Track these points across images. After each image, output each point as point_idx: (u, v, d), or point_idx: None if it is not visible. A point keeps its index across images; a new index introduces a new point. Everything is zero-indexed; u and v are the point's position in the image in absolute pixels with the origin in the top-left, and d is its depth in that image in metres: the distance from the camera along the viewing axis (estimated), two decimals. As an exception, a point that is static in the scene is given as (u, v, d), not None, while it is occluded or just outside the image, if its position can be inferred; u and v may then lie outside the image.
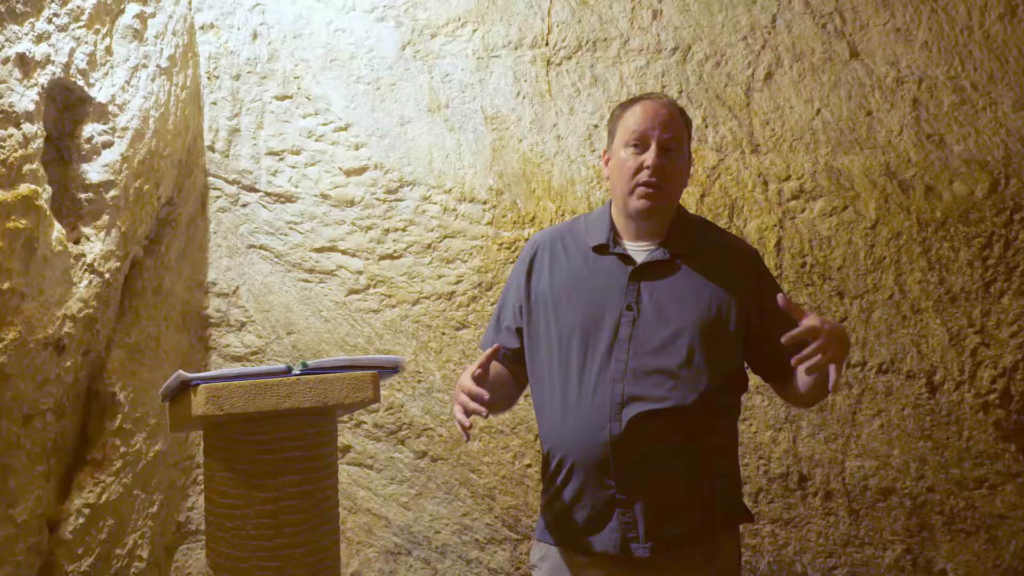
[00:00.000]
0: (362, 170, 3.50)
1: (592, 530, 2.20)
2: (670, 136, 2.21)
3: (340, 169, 3.52)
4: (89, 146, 2.84)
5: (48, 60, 2.56)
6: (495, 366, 2.33)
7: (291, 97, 3.56)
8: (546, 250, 2.37)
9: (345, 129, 3.52)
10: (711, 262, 2.25)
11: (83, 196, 2.83)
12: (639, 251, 2.27)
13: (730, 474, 2.28)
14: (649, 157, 2.18)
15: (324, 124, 3.54)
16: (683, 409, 2.15)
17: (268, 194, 3.58)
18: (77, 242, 2.79)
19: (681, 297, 2.21)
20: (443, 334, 3.42)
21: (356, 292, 3.51)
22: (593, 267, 2.29)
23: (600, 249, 2.29)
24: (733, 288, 2.22)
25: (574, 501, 2.23)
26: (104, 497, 2.94)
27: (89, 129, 2.84)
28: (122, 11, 2.94)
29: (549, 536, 2.28)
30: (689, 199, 3.16)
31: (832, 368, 1.92)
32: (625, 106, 2.30)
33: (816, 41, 3.05)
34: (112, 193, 2.89)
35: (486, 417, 2.06)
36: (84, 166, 2.84)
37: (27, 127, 2.45)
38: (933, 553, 2.97)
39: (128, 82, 2.97)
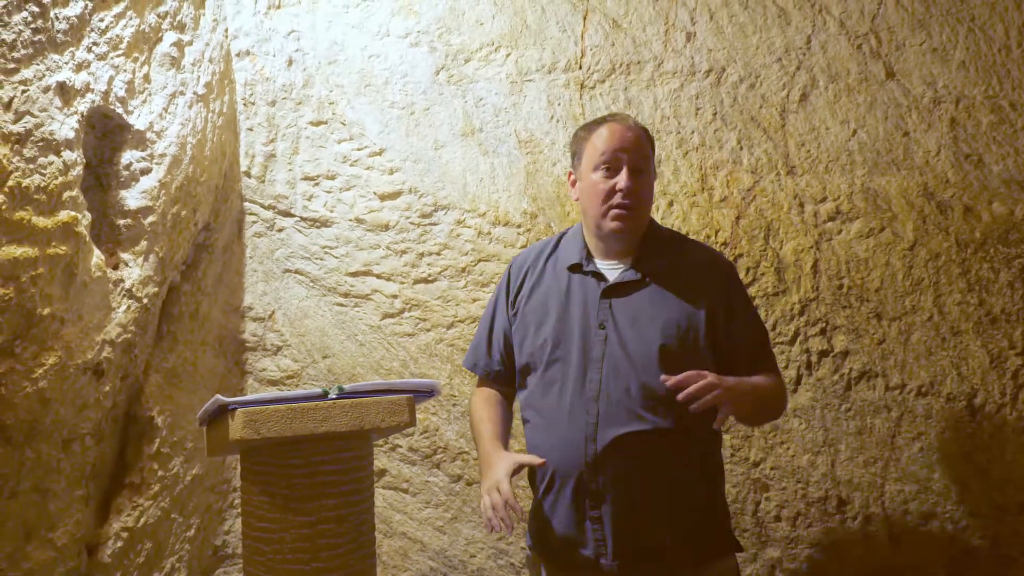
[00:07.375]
0: (397, 194, 3.52)
1: (570, 546, 2.29)
2: (639, 157, 2.28)
3: (375, 193, 3.53)
4: (128, 173, 2.88)
5: (88, 88, 2.59)
6: (496, 406, 2.49)
7: (326, 122, 3.59)
8: (525, 269, 2.46)
9: (380, 154, 3.54)
10: (681, 279, 2.29)
11: (121, 222, 2.86)
12: (611, 270, 2.34)
13: (710, 502, 2.29)
14: (622, 180, 2.26)
15: (359, 149, 3.56)
16: (656, 431, 2.20)
17: (303, 219, 3.60)
18: (116, 268, 2.82)
19: (651, 316, 2.25)
20: (477, 357, 3.41)
21: (391, 316, 3.51)
22: (569, 286, 2.36)
23: (574, 268, 2.37)
24: (702, 304, 2.25)
25: (553, 514, 2.33)
26: (142, 521, 2.95)
27: (128, 156, 2.87)
28: (160, 39, 2.98)
29: (535, 547, 2.41)
30: (725, 221, 3.15)
31: (712, 400, 2.03)
32: (591, 128, 2.37)
33: (851, 62, 3.04)
34: (150, 219, 2.92)
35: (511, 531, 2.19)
36: (123, 192, 2.87)
37: (67, 155, 2.48)
38: (976, 579, 2.93)
39: (166, 109, 3.01)
